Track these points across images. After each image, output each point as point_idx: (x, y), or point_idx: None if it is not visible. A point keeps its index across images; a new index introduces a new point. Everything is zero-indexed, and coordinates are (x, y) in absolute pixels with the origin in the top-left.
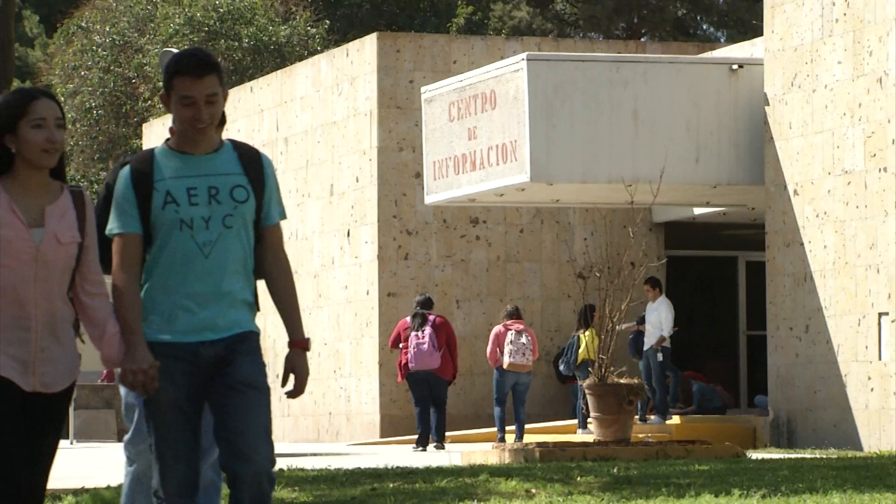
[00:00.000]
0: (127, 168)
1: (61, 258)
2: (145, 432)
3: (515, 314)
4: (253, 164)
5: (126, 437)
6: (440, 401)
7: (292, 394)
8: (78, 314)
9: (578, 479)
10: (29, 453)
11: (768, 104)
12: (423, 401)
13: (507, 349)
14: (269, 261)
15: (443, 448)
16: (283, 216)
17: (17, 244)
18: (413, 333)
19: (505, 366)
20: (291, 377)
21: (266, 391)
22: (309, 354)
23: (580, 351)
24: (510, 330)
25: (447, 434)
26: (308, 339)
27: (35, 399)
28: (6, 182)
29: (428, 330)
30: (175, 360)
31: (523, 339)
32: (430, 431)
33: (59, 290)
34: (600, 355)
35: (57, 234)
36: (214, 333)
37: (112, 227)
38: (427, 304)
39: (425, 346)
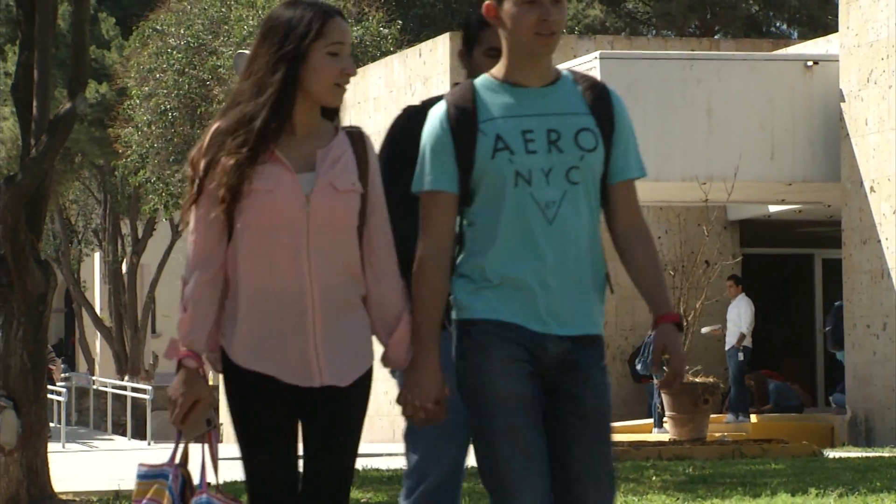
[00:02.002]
0: (441, 106)
1: (340, 211)
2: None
3: None
4: (601, 101)
5: (407, 469)
6: None
7: (668, 381)
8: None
9: (653, 477)
10: (316, 464)
11: (844, 101)
12: None
13: None
14: (622, 227)
15: None
16: (643, 171)
17: (280, 195)
18: None
19: None
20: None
21: (610, 420)
22: None
23: None
24: None
25: None
26: (680, 315)
27: (323, 395)
28: None
29: None
30: (516, 345)
31: None
32: None
33: (342, 255)
34: None
35: (332, 180)
36: (560, 326)
37: (421, 182)
38: None
39: None
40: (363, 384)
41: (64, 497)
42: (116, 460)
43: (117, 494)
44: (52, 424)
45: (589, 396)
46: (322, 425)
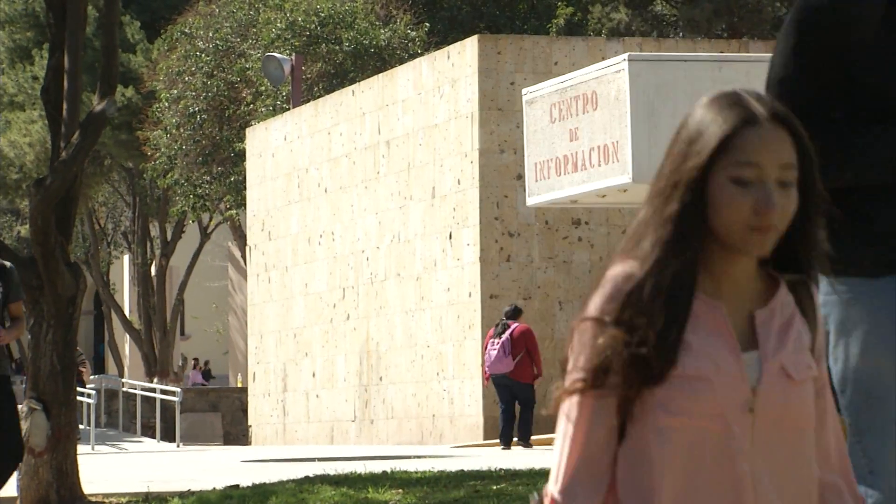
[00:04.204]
0: None
1: (795, 410)
2: None
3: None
4: None
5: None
6: (525, 402)
7: None
8: None
9: None
10: None
11: None
12: (505, 403)
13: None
14: None
15: (529, 447)
16: None
17: (721, 386)
18: (491, 340)
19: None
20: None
21: None
22: (411, 357)
23: None
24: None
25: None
26: None
27: None
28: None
29: (505, 336)
30: None
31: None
32: (511, 431)
33: (797, 474)
34: None
35: (785, 363)
36: None
37: None
38: (514, 314)
39: (496, 351)
40: None
41: (93, 499)
42: (146, 462)
43: (147, 496)
44: (81, 426)
45: None
46: None
